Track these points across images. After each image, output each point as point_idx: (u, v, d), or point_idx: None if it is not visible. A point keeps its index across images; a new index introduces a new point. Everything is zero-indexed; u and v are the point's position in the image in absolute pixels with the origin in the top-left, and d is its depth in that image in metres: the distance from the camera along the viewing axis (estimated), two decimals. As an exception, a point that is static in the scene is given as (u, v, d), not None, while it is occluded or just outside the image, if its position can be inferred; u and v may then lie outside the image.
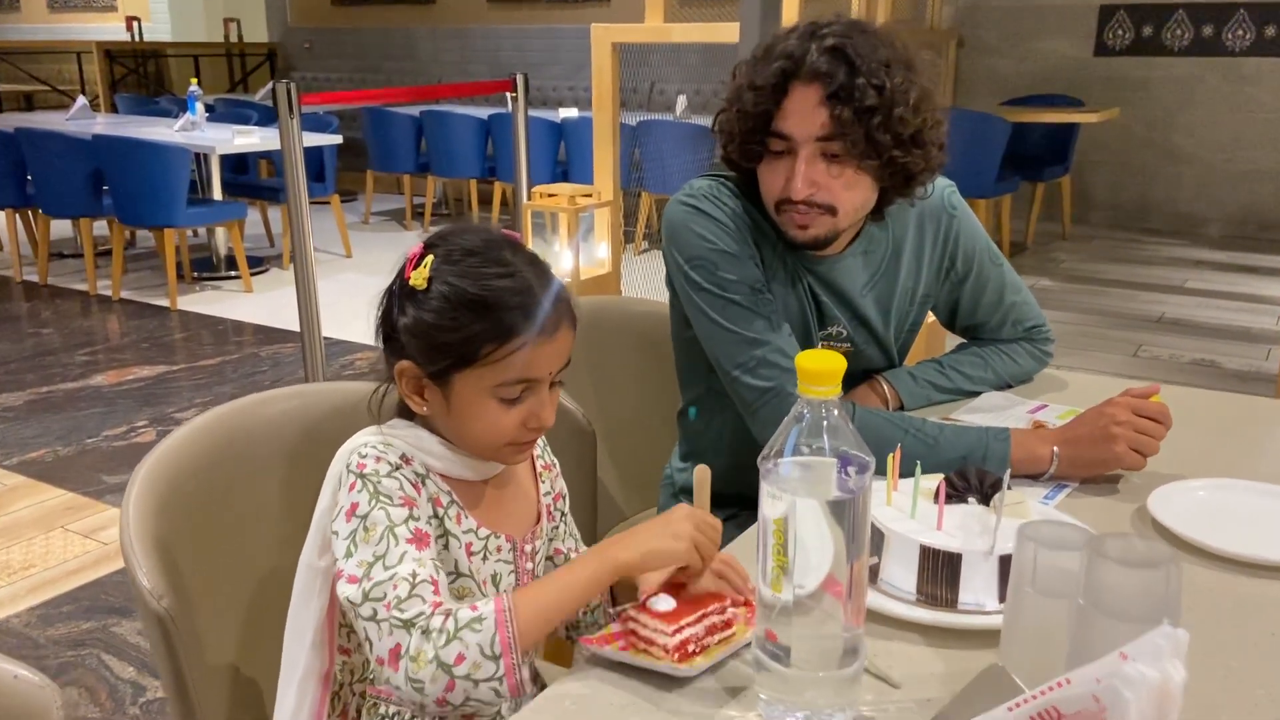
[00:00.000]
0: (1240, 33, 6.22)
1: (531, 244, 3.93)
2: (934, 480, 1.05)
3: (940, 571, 0.97)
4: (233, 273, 5.68)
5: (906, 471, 1.06)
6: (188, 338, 4.72)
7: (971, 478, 1.05)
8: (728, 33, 3.40)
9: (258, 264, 5.96)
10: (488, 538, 1.04)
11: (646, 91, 7.20)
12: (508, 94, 3.63)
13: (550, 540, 1.13)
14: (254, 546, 1.21)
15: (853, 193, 1.28)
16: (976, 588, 0.96)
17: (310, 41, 9.10)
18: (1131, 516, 1.16)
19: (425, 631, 0.87)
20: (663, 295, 1.52)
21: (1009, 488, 1.01)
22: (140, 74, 9.45)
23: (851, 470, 0.79)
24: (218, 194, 5.65)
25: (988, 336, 1.56)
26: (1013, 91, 6.59)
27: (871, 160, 1.24)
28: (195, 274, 5.76)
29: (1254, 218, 6.42)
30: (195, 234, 6.39)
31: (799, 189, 1.25)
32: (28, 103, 9.80)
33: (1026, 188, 6.15)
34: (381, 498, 0.94)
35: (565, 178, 6.37)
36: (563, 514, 1.16)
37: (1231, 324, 4.67)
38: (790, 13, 3.44)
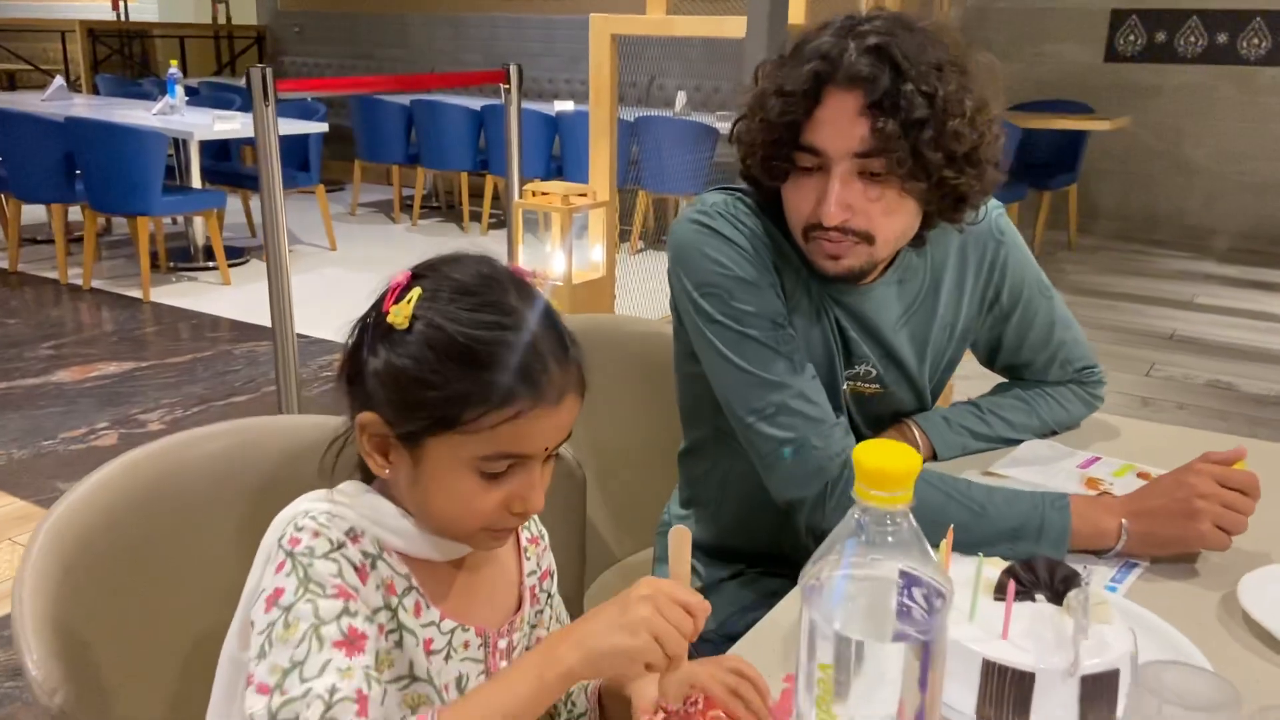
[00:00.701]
0: (1255, 41, 6.05)
1: (522, 242, 3.71)
2: (996, 568, 0.87)
3: (1007, 692, 0.79)
4: (210, 263, 5.46)
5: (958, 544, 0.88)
6: (159, 331, 4.51)
7: (1040, 570, 0.87)
8: (733, 27, 3.21)
9: (238, 255, 5.75)
10: (453, 632, 0.85)
11: (645, 86, 7.00)
12: (500, 85, 3.44)
13: (533, 628, 0.95)
14: (180, 621, 1.02)
15: (893, 218, 1.09)
16: (1052, 714, 0.78)
17: (300, 25, 8.88)
18: (1217, 609, 0.98)
19: None
20: (660, 303, 1.34)
21: (1088, 583, 0.83)
22: (124, 54, 9.19)
23: (918, 595, 0.61)
24: (196, 181, 5.43)
25: (1032, 377, 1.39)
26: (1020, 96, 6.41)
27: (918, 181, 1.06)
28: (171, 264, 5.54)
29: (1264, 232, 6.27)
30: (175, 221, 6.17)
31: (832, 213, 1.06)
32: (10, 82, 9.54)
33: (1033, 195, 5.98)
34: (311, 586, 0.75)
35: (560, 173, 6.17)
36: (549, 596, 0.97)
37: (1246, 343, 4.51)
38: (798, 10, 3.26)
